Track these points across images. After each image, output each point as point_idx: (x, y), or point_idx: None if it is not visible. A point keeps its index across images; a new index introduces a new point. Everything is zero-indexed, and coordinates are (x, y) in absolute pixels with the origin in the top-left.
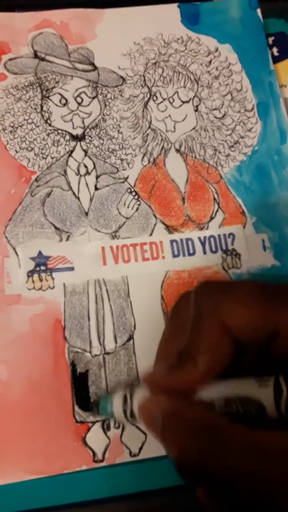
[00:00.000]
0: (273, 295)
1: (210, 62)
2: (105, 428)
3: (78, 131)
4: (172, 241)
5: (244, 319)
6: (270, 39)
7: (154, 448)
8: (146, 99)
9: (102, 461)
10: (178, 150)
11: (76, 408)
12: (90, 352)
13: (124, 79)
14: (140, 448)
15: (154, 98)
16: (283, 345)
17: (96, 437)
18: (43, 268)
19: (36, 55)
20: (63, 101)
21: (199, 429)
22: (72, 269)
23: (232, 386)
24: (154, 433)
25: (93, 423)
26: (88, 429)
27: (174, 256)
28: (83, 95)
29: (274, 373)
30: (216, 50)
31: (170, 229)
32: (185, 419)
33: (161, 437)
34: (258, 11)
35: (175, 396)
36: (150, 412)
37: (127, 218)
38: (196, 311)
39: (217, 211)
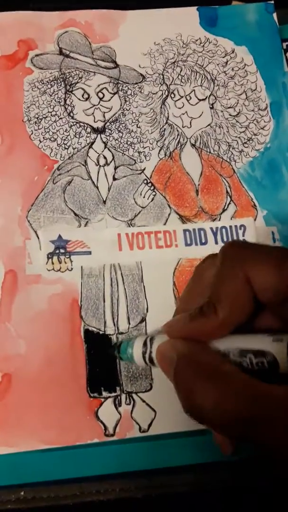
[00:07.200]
0: None
1: (226, 62)
2: (117, 404)
3: (99, 124)
4: (185, 231)
5: (266, 276)
6: (285, 44)
7: (163, 425)
8: (164, 96)
9: (113, 435)
10: (193, 145)
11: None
12: (104, 331)
13: (144, 77)
14: (150, 425)
15: (172, 95)
16: None
17: (107, 412)
18: (62, 251)
19: (61, 52)
20: (86, 96)
21: (210, 374)
22: (89, 253)
23: (247, 339)
24: (168, 375)
25: (105, 398)
26: (101, 404)
27: (187, 244)
28: (104, 91)
29: None
30: (233, 51)
31: (183, 219)
32: (198, 361)
33: (174, 379)
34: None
35: (192, 341)
36: (166, 353)
37: (142, 208)
38: (222, 263)
39: (229, 203)
